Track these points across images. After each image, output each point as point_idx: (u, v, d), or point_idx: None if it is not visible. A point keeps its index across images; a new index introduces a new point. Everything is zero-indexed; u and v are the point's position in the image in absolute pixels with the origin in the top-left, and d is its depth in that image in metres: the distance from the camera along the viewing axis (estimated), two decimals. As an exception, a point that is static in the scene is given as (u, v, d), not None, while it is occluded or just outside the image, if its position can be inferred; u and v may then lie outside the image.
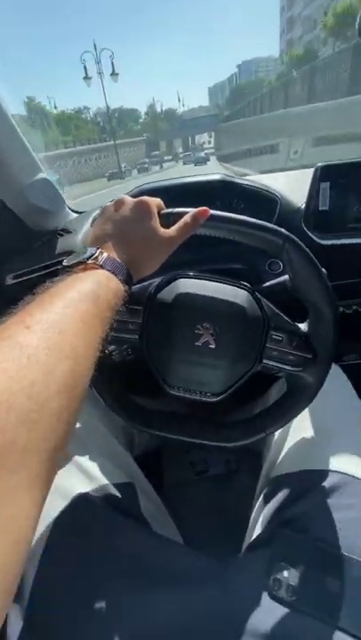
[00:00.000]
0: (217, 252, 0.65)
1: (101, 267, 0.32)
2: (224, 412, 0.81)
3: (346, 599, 0.35)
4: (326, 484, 0.42)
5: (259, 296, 0.41)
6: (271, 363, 0.41)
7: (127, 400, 0.45)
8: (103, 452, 0.51)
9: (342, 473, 0.43)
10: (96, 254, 0.32)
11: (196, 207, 0.37)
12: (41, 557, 0.38)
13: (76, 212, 0.81)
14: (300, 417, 0.50)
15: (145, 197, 0.37)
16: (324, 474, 0.43)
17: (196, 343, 0.40)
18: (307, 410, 0.50)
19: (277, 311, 0.41)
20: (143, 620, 0.35)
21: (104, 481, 0.46)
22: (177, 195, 0.51)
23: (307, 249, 0.37)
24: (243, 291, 0.42)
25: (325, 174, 0.59)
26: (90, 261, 0.31)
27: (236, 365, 0.41)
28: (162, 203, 0.39)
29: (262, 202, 0.65)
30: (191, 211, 0.37)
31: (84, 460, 0.48)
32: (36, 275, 0.62)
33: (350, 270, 0.65)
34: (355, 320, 0.68)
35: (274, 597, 0.36)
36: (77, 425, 0.52)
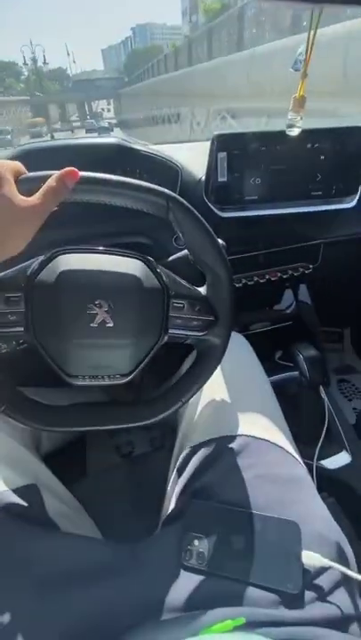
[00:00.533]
0: (116, 226, 0.61)
1: None
2: (140, 390, 0.80)
3: (251, 553, 0.37)
4: (232, 448, 0.44)
5: (154, 264, 0.39)
6: (177, 331, 0.40)
7: (22, 399, 0.39)
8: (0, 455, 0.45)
9: (245, 435, 0.45)
10: None
11: None
12: None
13: None
14: (208, 387, 0.51)
15: None
16: (230, 439, 0.45)
17: (92, 324, 0.36)
18: (214, 380, 0.51)
19: (176, 278, 0.40)
20: (59, 625, 0.32)
21: (2, 487, 0.41)
22: (65, 159, 0.45)
23: (191, 207, 0.35)
24: (136, 260, 0.39)
25: (222, 144, 0.59)
26: None
27: (140, 340, 0.38)
28: (21, 166, 0.33)
29: (163, 172, 0.62)
30: (56, 173, 0.32)
31: None
32: None
33: (250, 243, 0.68)
34: (255, 291, 0.72)
35: (186, 568, 0.36)
36: None
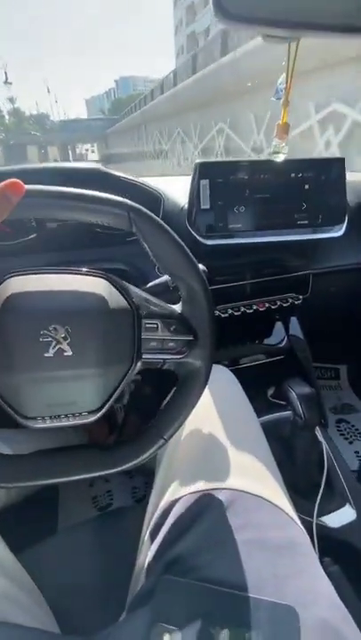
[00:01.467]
0: (94, 253, 0.58)
1: None
2: (122, 430, 0.72)
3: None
4: (215, 506, 0.37)
5: (121, 282, 0.35)
6: (152, 356, 0.35)
7: None
8: None
9: (231, 489, 0.38)
10: None
11: None
12: None
13: None
14: (190, 428, 0.45)
15: None
16: (212, 494, 0.38)
17: (46, 354, 0.31)
18: (197, 420, 0.45)
19: (147, 296, 0.36)
20: None
21: None
22: (48, 182, 0.43)
23: (156, 217, 0.33)
24: (99, 279, 0.34)
25: (205, 172, 0.58)
26: None
27: (108, 369, 0.33)
28: None
29: (144, 199, 0.60)
30: None
31: None
32: None
33: (236, 272, 0.65)
34: (244, 322, 0.68)
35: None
36: None
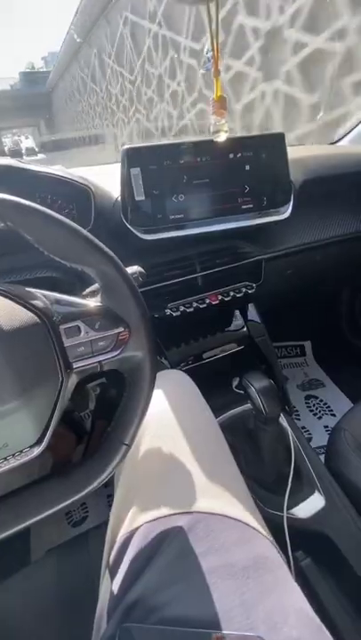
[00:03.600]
0: (23, 259, 0.51)
1: None
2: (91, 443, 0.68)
3: None
4: (175, 533, 0.34)
5: (16, 290, 0.30)
6: (84, 362, 0.31)
7: None
8: None
9: (193, 512, 0.35)
10: None
11: None
12: None
13: None
14: (143, 443, 0.41)
15: None
16: (173, 520, 0.35)
17: None
18: (151, 432, 0.42)
19: (56, 296, 0.31)
20: None
21: None
22: None
23: (32, 204, 0.28)
24: None
25: (134, 159, 0.52)
26: None
27: (33, 396, 0.29)
28: None
29: (72, 195, 0.54)
30: None
31: None
32: None
33: (182, 266, 0.60)
34: (199, 317, 0.64)
35: None
36: None
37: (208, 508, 0.36)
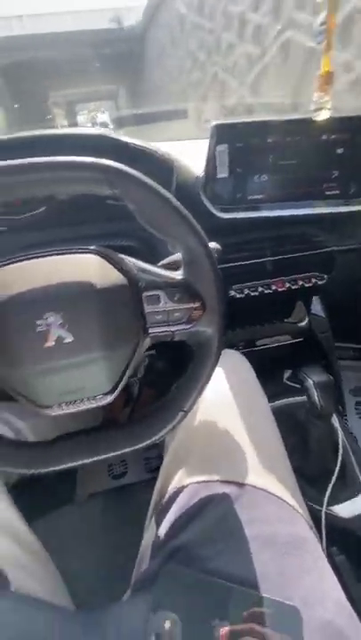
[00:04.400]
0: (105, 227, 0.55)
1: None
2: (136, 407, 0.73)
3: (235, 644, 0.28)
4: (221, 498, 0.36)
5: (113, 255, 0.33)
6: (159, 329, 0.33)
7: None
8: None
9: (240, 483, 0.37)
10: None
11: None
12: None
13: None
14: (198, 414, 0.44)
15: None
16: (220, 486, 0.37)
17: (46, 344, 0.30)
18: (206, 406, 0.44)
19: (143, 265, 0.34)
20: None
21: None
22: (40, 153, 0.39)
23: (140, 175, 0.29)
24: (89, 255, 0.32)
25: (222, 135, 0.51)
26: None
27: (114, 350, 0.32)
28: None
29: (155, 168, 0.55)
30: None
31: None
32: None
33: (254, 248, 0.60)
34: (261, 303, 0.64)
35: (151, 657, 0.28)
36: None
37: (254, 482, 0.37)
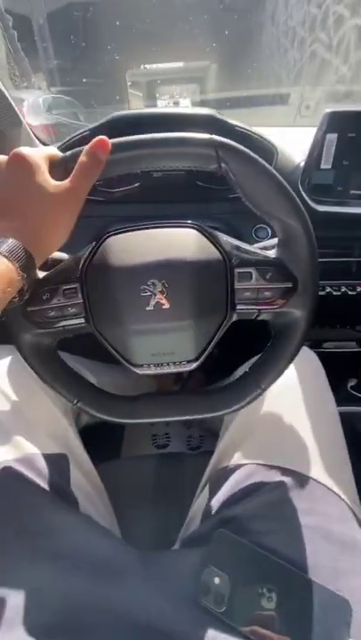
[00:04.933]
0: (190, 208, 0.56)
1: None
2: (208, 379, 0.75)
3: (284, 620, 0.29)
4: (280, 483, 0.37)
5: (210, 231, 0.34)
6: (246, 307, 0.34)
7: (95, 393, 0.39)
8: (35, 418, 0.45)
9: (300, 473, 0.37)
10: None
11: None
12: None
13: (44, 143, 0.69)
14: (264, 402, 0.44)
15: (22, 149, 0.29)
16: (279, 471, 0.38)
17: (147, 308, 0.33)
18: (273, 395, 0.44)
19: (239, 244, 0.34)
20: (46, 599, 0.30)
21: (32, 450, 0.41)
22: (151, 129, 0.41)
23: (247, 150, 0.30)
24: (189, 230, 0.34)
25: (335, 124, 0.49)
26: None
27: (202, 321, 0.34)
28: (54, 151, 0.32)
29: (257, 152, 0.55)
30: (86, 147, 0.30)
31: (12, 424, 0.42)
32: None
33: (344, 246, 0.57)
34: (340, 303, 0.61)
35: (199, 604, 0.31)
36: (7, 385, 0.45)
37: (315, 476, 0.37)
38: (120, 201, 0.62)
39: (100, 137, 0.30)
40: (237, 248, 0.34)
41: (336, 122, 0.49)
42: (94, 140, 0.30)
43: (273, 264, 0.34)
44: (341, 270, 0.59)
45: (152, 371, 0.36)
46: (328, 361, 0.69)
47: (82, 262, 0.34)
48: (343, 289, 0.59)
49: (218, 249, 0.34)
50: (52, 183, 0.29)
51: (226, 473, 0.41)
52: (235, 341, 0.46)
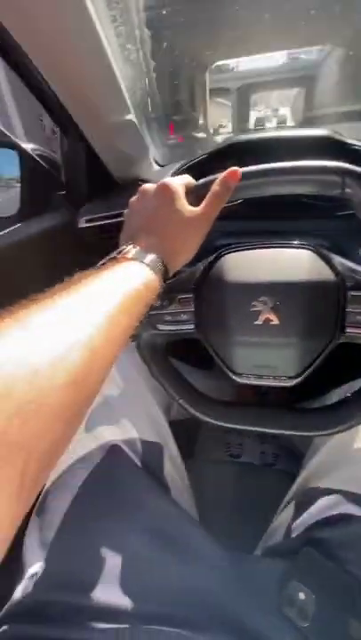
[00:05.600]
0: (297, 225, 0.57)
1: (132, 260, 0.31)
2: (305, 397, 0.75)
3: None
4: None
5: (325, 253, 0.35)
6: (356, 330, 0.34)
7: (197, 395, 0.43)
8: (139, 406, 0.51)
9: None
10: (126, 249, 0.32)
11: None
12: (59, 487, 0.40)
13: (160, 164, 0.77)
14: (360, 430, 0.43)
15: (166, 180, 0.34)
16: None
17: (256, 322, 0.35)
18: None
19: (353, 266, 0.35)
20: (138, 570, 0.34)
21: (134, 434, 0.46)
22: (265, 153, 0.43)
23: None
24: (304, 251, 0.36)
25: None
26: (119, 256, 0.31)
27: (308, 340, 0.35)
28: (190, 179, 0.36)
29: None
30: (218, 177, 0.34)
31: (120, 408, 0.48)
32: (106, 222, 0.62)
33: None
34: None
35: (283, 615, 0.32)
36: (118, 375, 0.52)
37: None
38: (222, 217, 0.66)
39: (233, 168, 0.34)
40: (352, 271, 0.35)
41: None
42: (228, 171, 0.34)
43: None
44: None
45: (251, 381, 0.38)
46: None
47: (198, 274, 0.38)
48: None
49: (333, 271, 0.35)
50: (187, 208, 0.34)
51: (315, 494, 0.41)
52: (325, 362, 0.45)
